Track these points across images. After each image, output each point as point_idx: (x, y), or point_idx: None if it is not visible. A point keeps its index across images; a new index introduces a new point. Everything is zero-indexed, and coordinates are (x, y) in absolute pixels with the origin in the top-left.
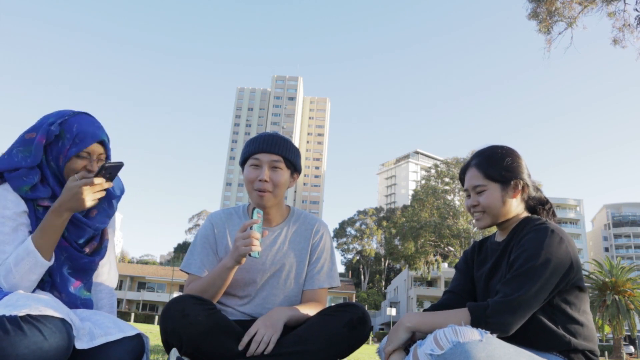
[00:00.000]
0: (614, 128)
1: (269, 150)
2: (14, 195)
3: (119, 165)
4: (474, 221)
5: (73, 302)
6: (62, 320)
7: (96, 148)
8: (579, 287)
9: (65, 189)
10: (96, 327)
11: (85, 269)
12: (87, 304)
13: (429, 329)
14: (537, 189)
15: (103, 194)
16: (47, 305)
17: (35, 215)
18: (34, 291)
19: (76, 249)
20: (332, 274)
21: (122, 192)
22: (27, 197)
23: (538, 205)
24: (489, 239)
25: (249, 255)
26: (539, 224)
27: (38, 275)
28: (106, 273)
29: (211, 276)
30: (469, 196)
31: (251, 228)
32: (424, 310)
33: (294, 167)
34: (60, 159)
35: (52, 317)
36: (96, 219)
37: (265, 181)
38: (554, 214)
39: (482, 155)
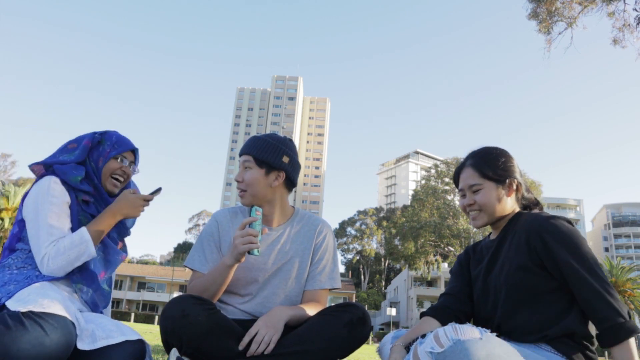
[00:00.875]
0: (614, 128)
1: (242, 152)
2: (60, 187)
3: (159, 193)
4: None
5: (96, 291)
6: (65, 318)
7: (129, 155)
8: None
9: (122, 198)
10: (99, 330)
11: (112, 262)
12: (106, 298)
13: None
14: (529, 191)
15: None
16: (52, 303)
17: (78, 207)
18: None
19: (113, 240)
20: (333, 275)
21: None
22: (76, 187)
23: (530, 205)
24: (482, 240)
25: (248, 253)
26: (547, 215)
27: (80, 264)
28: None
29: (212, 274)
30: (463, 196)
31: (250, 226)
32: (423, 312)
33: (268, 165)
34: (100, 160)
35: (55, 314)
36: (129, 222)
37: (238, 181)
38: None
39: (477, 155)
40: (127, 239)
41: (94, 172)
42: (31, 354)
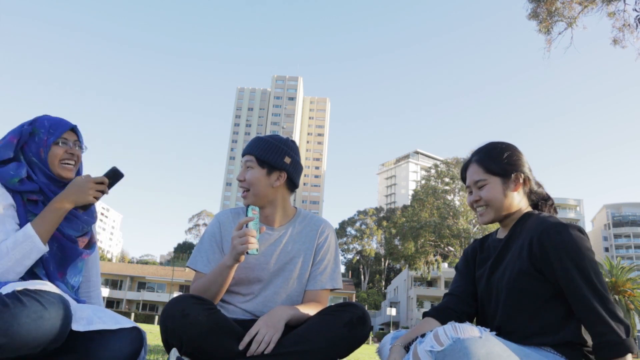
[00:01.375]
0: (614, 128)
1: (244, 152)
2: (2, 190)
3: (121, 175)
4: (474, 220)
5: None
6: (60, 295)
7: (70, 135)
8: None
9: (73, 182)
10: (94, 316)
11: (73, 261)
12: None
13: None
14: (539, 185)
15: (100, 195)
16: (44, 283)
17: (25, 209)
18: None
19: (69, 237)
20: (334, 276)
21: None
22: (16, 190)
23: (540, 200)
24: (490, 236)
25: (247, 253)
26: (555, 220)
27: (31, 262)
28: (95, 275)
29: (213, 274)
30: (471, 192)
31: (247, 226)
32: (425, 313)
33: (270, 165)
34: (41, 151)
35: (50, 291)
36: (85, 214)
37: (240, 180)
38: (555, 211)
39: (482, 151)
40: (126, 239)
41: (40, 166)
42: (32, 328)
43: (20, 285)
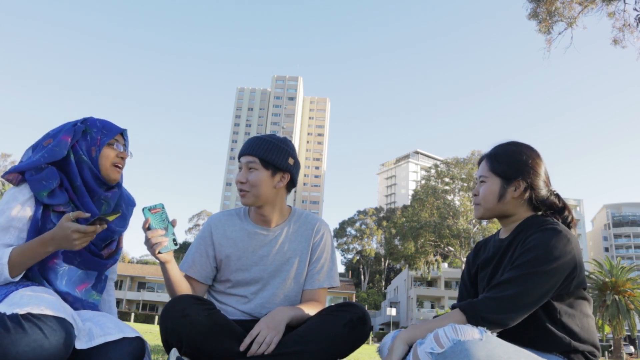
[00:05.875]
0: (614, 128)
1: (246, 152)
2: (24, 198)
3: (115, 215)
4: (473, 221)
5: (74, 305)
6: (63, 320)
7: (120, 139)
8: (582, 290)
9: (59, 227)
10: (96, 328)
11: (97, 272)
12: (93, 308)
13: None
14: (553, 194)
15: (93, 236)
16: (50, 305)
17: (49, 220)
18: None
19: (94, 252)
20: (332, 274)
21: (134, 204)
22: (45, 203)
23: (548, 210)
24: (492, 238)
25: (159, 252)
26: (547, 224)
27: None
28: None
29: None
30: (475, 185)
31: (149, 229)
32: (435, 317)
33: (274, 167)
34: (92, 150)
35: (54, 316)
36: (114, 223)
37: (242, 182)
38: (571, 225)
39: (496, 148)
40: (126, 239)
41: (89, 165)
42: (30, 357)
43: (22, 308)
